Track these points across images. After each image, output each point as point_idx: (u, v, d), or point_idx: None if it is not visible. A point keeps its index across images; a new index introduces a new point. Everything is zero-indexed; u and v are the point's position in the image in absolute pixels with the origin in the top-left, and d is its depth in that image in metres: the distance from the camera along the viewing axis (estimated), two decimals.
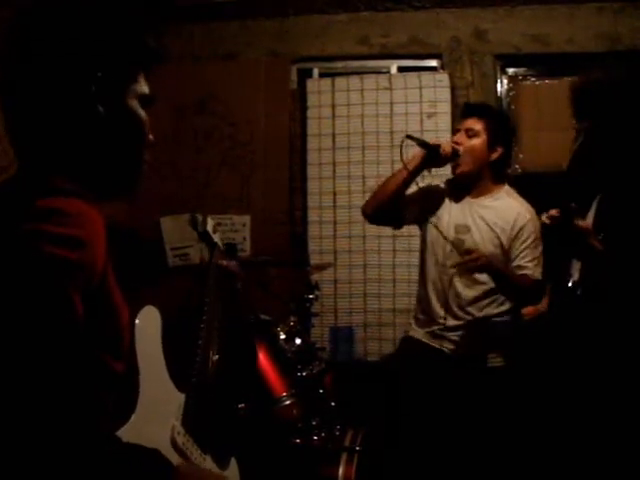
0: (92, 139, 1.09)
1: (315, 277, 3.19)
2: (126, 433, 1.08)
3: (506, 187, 2.76)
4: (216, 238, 1.93)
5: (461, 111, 2.91)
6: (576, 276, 2.33)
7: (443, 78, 3.74)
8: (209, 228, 1.91)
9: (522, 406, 2.52)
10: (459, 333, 2.66)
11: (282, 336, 2.63)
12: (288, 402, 2.44)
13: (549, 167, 3.46)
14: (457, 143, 2.67)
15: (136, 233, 3.32)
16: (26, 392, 0.89)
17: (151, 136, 1.18)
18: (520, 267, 2.59)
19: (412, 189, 2.74)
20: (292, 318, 2.74)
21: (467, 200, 2.73)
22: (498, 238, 2.64)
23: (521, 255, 2.60)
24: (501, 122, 2.77)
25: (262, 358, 2.49)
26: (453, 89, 3.74)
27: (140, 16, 1.15)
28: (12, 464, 0.88)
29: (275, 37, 3.92)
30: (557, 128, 3.36)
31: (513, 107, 3.82)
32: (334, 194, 3.81)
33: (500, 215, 2.66)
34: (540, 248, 2.61)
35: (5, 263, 0.93)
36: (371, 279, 3.75)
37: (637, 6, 3.58)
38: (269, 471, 2.29)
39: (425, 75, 3.78)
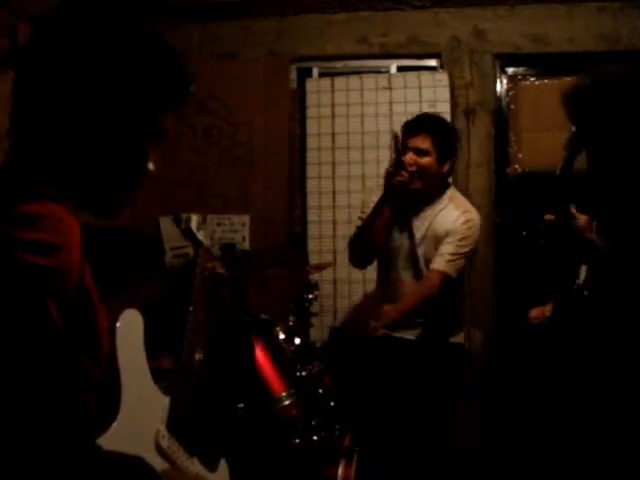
0: (97, 156, 1.08)
1: (314, 277, 3.19)
2: (109, 439, 1.06)
3: (450, 192, 2.81)
4: (200, 236, 1.90)
5: (406, 128, 2.82)
6: (582, 278, 2.33)
7: (442, 78, 3.74)
8: (193, 225, 1.88)
9: (530, 410, 2.53)
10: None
11: (281, 336, 2.62)
12: (287, 402, 2.44)
13: (549, 167, 3.43)
14: (410, 164, 2.67)
15: (138, 232, 3.31)
16: (2, 400, 0.88)
17: (151, 165, 1.18)
18: (437, 255, 2.64)
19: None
20: (291, 318, 2.74)
21: (416, 211, 2.79)
22: (435, 242, 2.71)
23: (442, 246, 2.68)
24: (447, 135, 2.77)
25: (261, 358, 2.48)
26: (452, 89, 3.74)
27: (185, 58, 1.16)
28: None
29: (274, 37, 3.91)
30: (557, 128, 3.33)
31: (513, 107, 3.81)
32: (333, 193, 3.80)
33: (438, 224, 2.72)
34: (465, 250, 2.67)
35: None
36: (370, 279, 3.73)
37: (637, 6, 3.57)
38: (268, 471, 2.28)
39: (424, 75, 3.78)
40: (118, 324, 1.15)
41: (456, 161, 2.91)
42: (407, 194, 2.71)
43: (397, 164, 2.64)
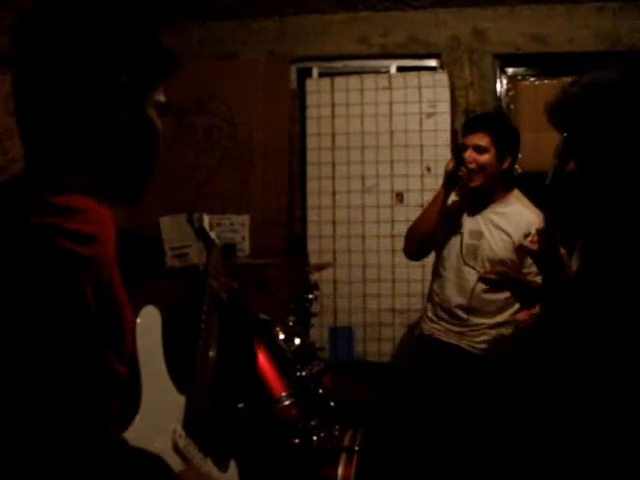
0: (110, 142, 1.10)
1: (314, 277, 3.19)
2: (129, 436, 1.07)
3: (515, 192, 2.82)
4: (213, 235, 1.93)
5: (465, 126, 2.90)
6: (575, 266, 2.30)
7: (442, 78, 3.74)
8: (205, 225, 1.90)
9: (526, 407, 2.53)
10: (475, 333, 2.75)
11: (281, 336, 2.62)
12: (287, 402, 2.43)
13: (549, 167, 3.45)
14: (469, 162, 2.70)
15: (138, 233, 3.31)
16: (35, 385, 0.88)
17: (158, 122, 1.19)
18: (531, 273, 2.63)
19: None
20: (291, 318, 2.74)
21: (479, 208, 2.80)
22: (511, 243, 2.69)
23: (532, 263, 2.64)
24: (506, 132, 2.79)
25: (261, 358, 2.48)
26: (452, 89, 3.74)
27: (158, 25, 1.16)
28: (17, 463, 0.87)
29: (274, 37, 3.92)
30: None
31: (512, 107, 3.82)
32: (333, 194, 3.81)
33: (512, 221, 2.71)
34: None
35: (19, 256, 0.93)
36: (370, 279, 3.74)
37: (637, 6, 3.57)
38: (268, 471, 2.28)
39: (424, 75, 3.78)
40: (138, 321, 1.16)
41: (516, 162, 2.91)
42: (468, 190, 2.75)
43: (457, 160, 2.69)
